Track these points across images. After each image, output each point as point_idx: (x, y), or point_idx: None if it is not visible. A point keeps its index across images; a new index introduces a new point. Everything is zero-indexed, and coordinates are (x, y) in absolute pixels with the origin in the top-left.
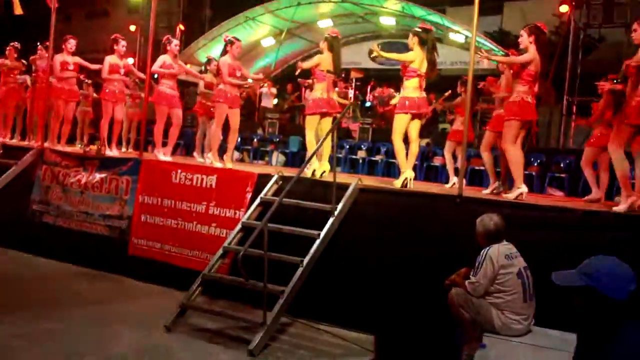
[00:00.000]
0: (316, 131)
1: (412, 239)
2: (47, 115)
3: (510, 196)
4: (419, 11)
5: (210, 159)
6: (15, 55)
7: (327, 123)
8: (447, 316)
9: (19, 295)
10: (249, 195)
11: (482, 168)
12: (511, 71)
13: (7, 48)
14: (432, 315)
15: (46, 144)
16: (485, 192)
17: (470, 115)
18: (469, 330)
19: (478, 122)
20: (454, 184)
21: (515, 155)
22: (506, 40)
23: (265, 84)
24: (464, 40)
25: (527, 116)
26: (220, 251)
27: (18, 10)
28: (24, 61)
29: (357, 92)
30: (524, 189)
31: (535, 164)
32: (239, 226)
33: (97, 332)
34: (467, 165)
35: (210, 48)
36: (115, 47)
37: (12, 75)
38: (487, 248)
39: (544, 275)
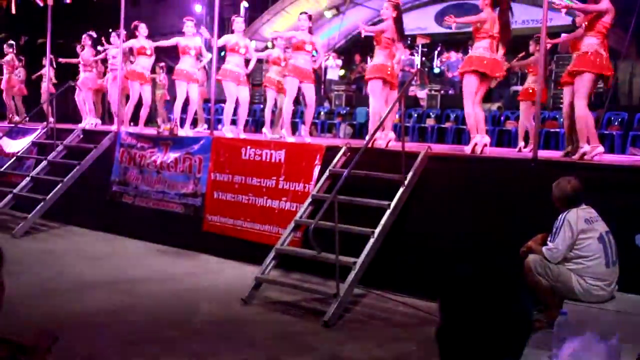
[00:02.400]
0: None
1: (486, 205)
2: (123, 99)
3: (575, 157)
4: None
5: (283, 134)
6: (90, 43)
7: (391, 92)
8: (521, 284)
9: (104, 273)
10: (317, 168)
11: (557, 130)
12: (584, 24)
13: (83, 37)
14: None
15: (122, 127)
16: (560, 155)
17: (544, 75)
18: (547, 298)
19: (552, 82)
20: (520, 148)
21: (582, 111)
22: None
23: (331, 56)
24: None
25: (602, 70)
26: (292, 225)
27: None
28: (99, 47)
29: (423, 58)
30: (586, 148)
31: (616, 123)
32: (309, 199)
33: (177, 306)
34: (542, 127)
35: (274, 23)
36: (184, 29)
37: (88, 64)
38: (565, 212)
39: (627, 239)
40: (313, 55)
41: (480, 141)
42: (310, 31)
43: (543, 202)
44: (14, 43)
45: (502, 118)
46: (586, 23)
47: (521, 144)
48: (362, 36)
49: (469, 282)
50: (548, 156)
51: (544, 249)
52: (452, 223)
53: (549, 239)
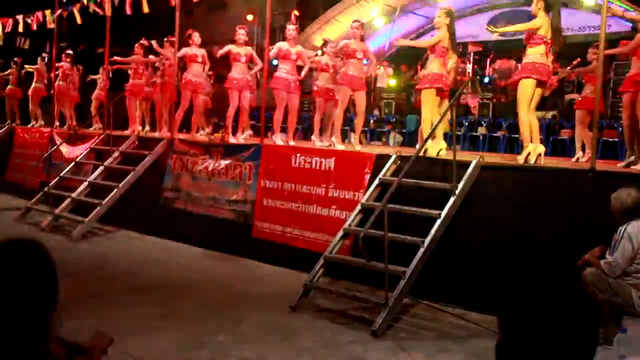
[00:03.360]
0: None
1: (540, 217)
2: (175, 107)
3: (638, 167)
4: None
5: (333, 142)
6: (142, 52)
7: (443, 101)
8: (582, 299)
9: (156, 278)
10: (367, 177)
11: (615, 140)
12: None
13: (136, 45)
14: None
15: (175, 135)
16: (620, 165)
17: (602, 83)
18: (605, 313)
19: (610, 91)
20: (578, 158)
21: None
22: None
23: (381, 65)
24: (593, 3)
25: None
26: (341, 233)
27: (145, 8)
28: (152, 56)
29: (475, 66)
30: None
31: None
32: (358, 207)
33: (227, 312)
34: (599, 136)
35: (325, 31)
36: (236, 37)
37: (140, 71)
38: (625, 225)
39: None
40: (364, 64)
41: (534, 150)
42: (362, 39)
43: (601, 214)
44: (71, 52)
45: (557, 127)
46: None
47: (579, 153)
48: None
49: (530, 298)
50: (606, 167)
51: (602, 262)
52: (504, 235)
53: (607, 252)
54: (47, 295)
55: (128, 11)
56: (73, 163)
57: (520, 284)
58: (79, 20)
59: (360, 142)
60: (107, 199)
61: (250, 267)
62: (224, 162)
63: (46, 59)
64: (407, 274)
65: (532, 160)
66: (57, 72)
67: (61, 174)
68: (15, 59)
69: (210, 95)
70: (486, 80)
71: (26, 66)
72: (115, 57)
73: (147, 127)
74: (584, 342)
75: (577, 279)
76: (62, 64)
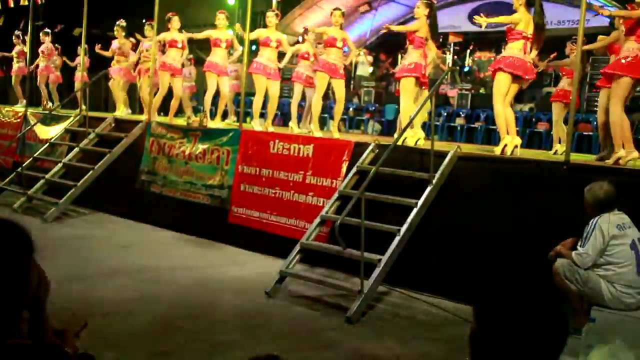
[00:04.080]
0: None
1: (515, 208)
2: (154, 90)
3: (609, 162)
4: None
5: (311, 129)
6: (123, 34)
7: (422, 91)
8: (553, 288)
9: (131, 262)
10: (345, 164)
11: (590, 134)
12: (623, 29)
13: (115, 28)
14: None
15: (153, 117)
16: (594, 159)
17: (579, 77)
18: (575, 303)
19: (587, 85)
20: (556, 151)
21: (618, 116)
22: None
23: (361, 52)
24: None
25: None
26: (318, 220)
27: None
28: (132, 39)
29: (455, 57)
30: (621, 153)
31: None
32: (335, 195)
33: (202, 297)
34: (575, 130)
35: (307, 18)
36: (216, 22)
37: (121, 54)
38: (597, 217)
39: None
40: (344, 52)
41: (510, 142)
42: (342, 27)
43: (574, 207)
44: (49, 31)
45: (533, 119)
46: (626, 27)
47: (557, 146)
48: (386, 32)
49: (505, 289)
50: (581, 160)
51: (573, 253)
52: (479, 224)
53: (579, 243)
54: (21, 277)
55: None
56: (47, 144)
57: (494, 274)
58: None
59: (339, 130)
60: (81, 181)
61: (226, 253)
62: (201, 147)
63: (21, 36)
64: (382, 261)
65: (508, 152)
66: (38, 51)
67: (35, 155)
68: None
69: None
70: (466, 70)
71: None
72: (97, 48)
73: (129, 110)
74: (555, 332)
75: (549, 269)
76: (44, 44)
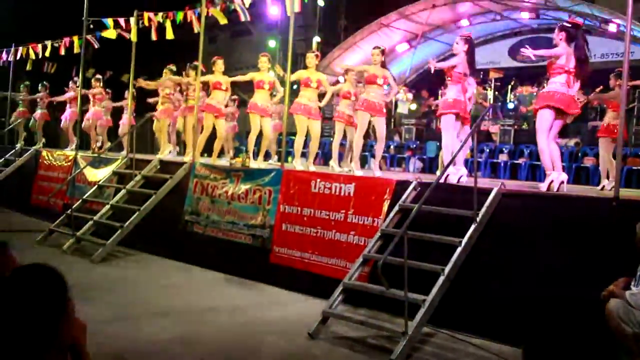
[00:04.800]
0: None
1: (563, 246)
2: (198, 131)
3: None
4: (564, 1)
5: (352, 168)
6: (170, 76)
7: (463, 127)
8: (606, 331)
9: (174, 301)
10: (387, 203)
11: (639, 168)
12: None
13: (164, 71)
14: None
15: (197, 159)
16: None
17: (625, 110)
18: (631, 345)
19: (634, 118)
20: (604, 186)
21: None
22: None
23: (402, 90)
24: (616, 30)
25: None
26: (360, 259)
27: (170, 35)
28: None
29: (496, 92)
30: None
31: None
32: (378, 234)
33: (245, 339)
34: (623, 164)
35: (346, 58)
36: (259, 65)
37: (167, 95)
38: None
39: None
40: (385, 90)
41: (557, 178)
42: (383, 65)
43: (625, 244)
44: (101, 77)
45: (579, 154)
46: None
47: (604, 182)
48: (432, 71)
49: (554, 331)
50: (631, 195)
51: (627, 293)
52: (525, 263)
53: (632, 283)
54: (56, 318)
55: (154, 37)
56: (96, 186)
57: (543, 315)
58: (112, 36)
59: (380, 168)
60: (128, 222)
61: (268, 293)
62: (244, 187)
63: (78, 82)
64: (427, 302)
65: (554, 188)
66: (88, 97)
67: (84, 197)
68: (44, 82)
69: (236, 120)
70: (508, 106)
71: (56, 99)
72: (140, 79)
73: (177, 149)
74: None
75: (601, 310)
76: (93, 90)
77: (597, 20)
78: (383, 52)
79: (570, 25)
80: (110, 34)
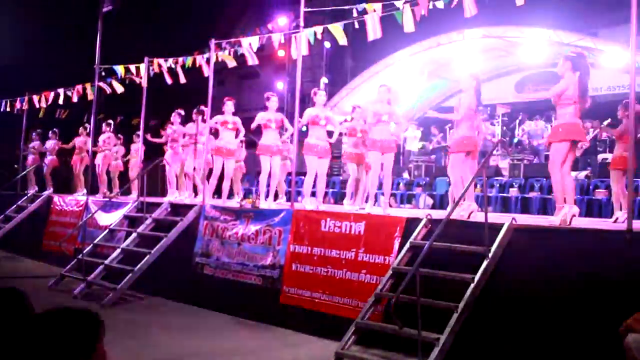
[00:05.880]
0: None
1: (577, 280)
2: (206, 173)
3: None
4: (568, 37)
5: (364, 207)
6: (179, 121)
7: (472, 163)
8: None
9: (186, 346)
10: (398, 240)
11: None
12: None
13: (172, 114)
14: None
15: (207, 201)
16: None
17: (634, 141)
18: None
19: None
20: (617, 219)
21: None
22: None
23: (410, 127)
24: (621, 63)
25: None
26: (372, 298)
27: (182, 79)
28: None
29: (504, 127)
30: None
31: None
32: (389, 272)
33: None
34: (636, 196)
35: (354, 96)
36: (267, 104)
37: (176, 139)
38: None
39: None
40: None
41: (569, 211)
42: (390, 102)
43: None
44: (112, 122)
45: (590, 187)
46: None
47: (618, 214)
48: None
49: None
50: None
51: None
52: (540, 299)
53: None
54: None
55: (168, 81)
56: (107, 230)
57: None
58: (119, 90)
59: (390, 205)
60: (139, 266)
61: (279, 335)
62: (254, 228)
63: (89, 129)
64: (441, 340)
65: (567, 222)
66: (99, 142)
67: (95, 241)
68: (55, 129)
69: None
70: (516, 140)
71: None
72: (148, 136)
73: (187, 193)
74: None
75: (618, 345)
76: (104, 134)
77: (601, 54)
78: (389, 89)
79: (574, 55)
80: (118, 86)
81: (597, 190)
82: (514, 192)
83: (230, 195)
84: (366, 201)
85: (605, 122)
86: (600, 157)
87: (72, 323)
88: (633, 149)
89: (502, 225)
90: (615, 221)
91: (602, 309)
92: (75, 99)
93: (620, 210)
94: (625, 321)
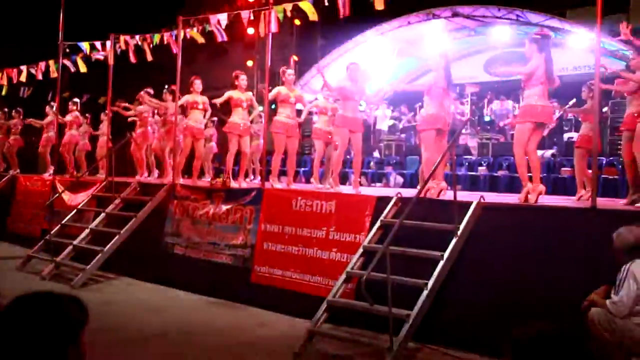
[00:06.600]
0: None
1: (542, 256)
2: (177, 153)
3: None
4: (536, 17)
5: (332, 184)
6: (147, 100)
7: (442, 142)
8: (588, 340)
9: (157, 327)
10: (368, 219)
11: (615, 177)
12: None
13: (141, 93)
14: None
15: (177, 180)
16: (622, 203)
17: (599, 121)
18: (614, 354)
19: (608, 129)
20: (580, 197)
21: None
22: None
23: (381, 106)
24: (587, 43)
25: None
26: (344, 276)
27: (149, 57)
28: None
29: (473, 106)
30: None
31: None
32: (360, 250)
33: None
34: (599, 174)
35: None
36: (236, 82)
37: (145, 119)
38: (629, 263)
39: None
40: (361, 105)
41: (534, 189)
42: (359, 80)
43: (604, 253)
44: (78, 101)
45: (556, 166)
46: None
47: (581, 192)
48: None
49: (538, 342)
50: (608, 205)
51: (608, 302)
52: (507, 275)
53: (612, 291)
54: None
55: (133, 60)
56: (75, 210)
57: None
58: (82, 69)
59: (361, 184)
60: (108, 246)
61: (251, 313)
62: (224, 207)
63: (54, 107)
64: (411, 317)
65: (532, 200)
66: (65, 121)
67: (62, 222)
68: (18, 108)
69: (216, 141)
70: (485, 119)
71: (33, 121)
72: (117, 104)
73: (156, 174)
74: None
75: (582, 319)
76: (71, 114)
77: (569, 34)
78: (359, 67)
79: (539, 37)
80: (82, 65)
81: (562, 169)
82: (482, 170)
83: (201, 174)
84: (331, 178)
85: (571, 102)
86: (566, 135)
87: (55, 309)
88: (597, 129)
89: (470, 203)
90: (578, 199)
91: (567, 284)
92: (40, 77)
93: (584, 188)
94: (588, 296)
